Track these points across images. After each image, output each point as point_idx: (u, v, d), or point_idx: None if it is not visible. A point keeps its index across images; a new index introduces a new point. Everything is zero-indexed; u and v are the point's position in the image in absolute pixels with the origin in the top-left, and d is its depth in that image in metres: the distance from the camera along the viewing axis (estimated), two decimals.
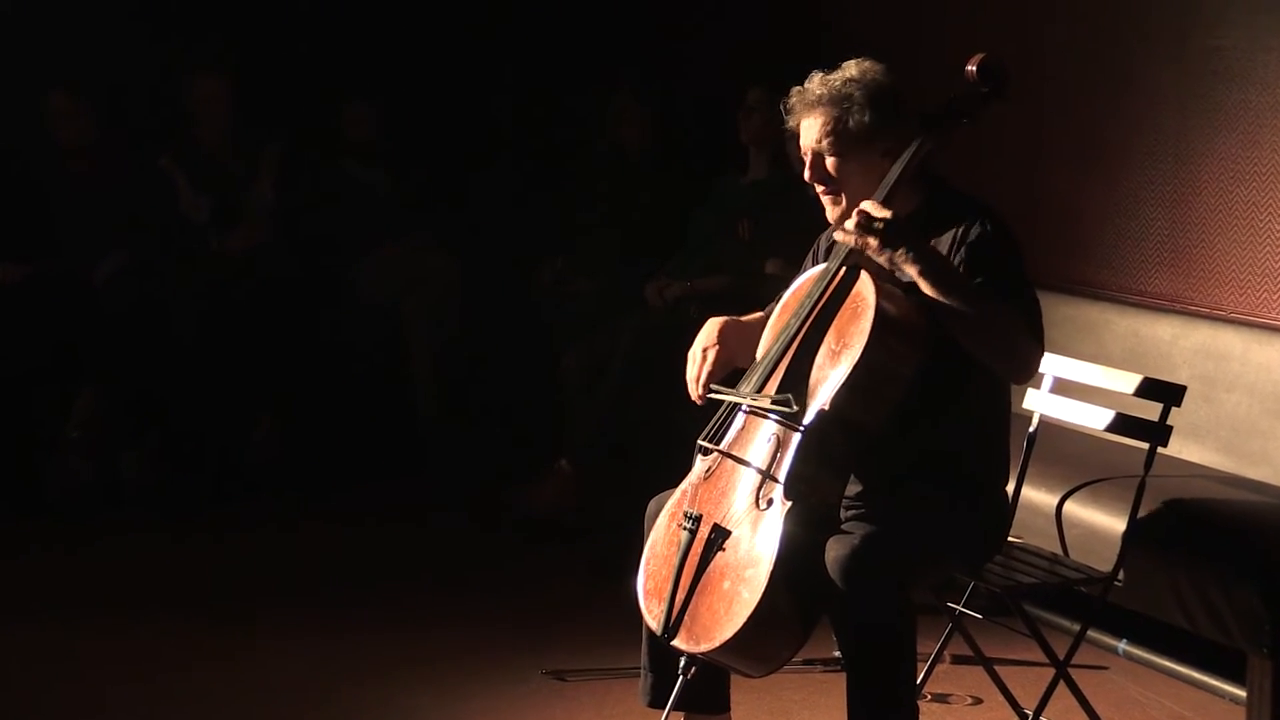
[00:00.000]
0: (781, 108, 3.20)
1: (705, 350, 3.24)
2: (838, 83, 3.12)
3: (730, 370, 3.24)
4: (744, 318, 3.36)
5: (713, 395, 3.18)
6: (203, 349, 5.59)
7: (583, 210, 6.04)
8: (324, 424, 5.85)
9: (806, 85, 3.16)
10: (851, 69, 3.14)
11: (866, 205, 3.02)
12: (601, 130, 6.10)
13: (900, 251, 2.97)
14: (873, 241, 2.99)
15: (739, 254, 5.37)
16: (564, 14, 6.60)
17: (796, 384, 3.03)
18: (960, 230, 3.09)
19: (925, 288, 2.97)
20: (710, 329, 3.28)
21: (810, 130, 3.16)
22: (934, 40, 5.34)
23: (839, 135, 3.12)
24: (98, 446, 5.46)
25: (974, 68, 3.12)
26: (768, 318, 3.33)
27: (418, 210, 6.20)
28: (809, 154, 3.18)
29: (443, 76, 6.53)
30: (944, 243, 3.11)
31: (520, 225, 6.37)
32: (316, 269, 5.96)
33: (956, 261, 3.07)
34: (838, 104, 3.11)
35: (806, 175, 3.20)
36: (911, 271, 2.97)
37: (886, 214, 2.99)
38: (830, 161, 3.15)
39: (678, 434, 3.30)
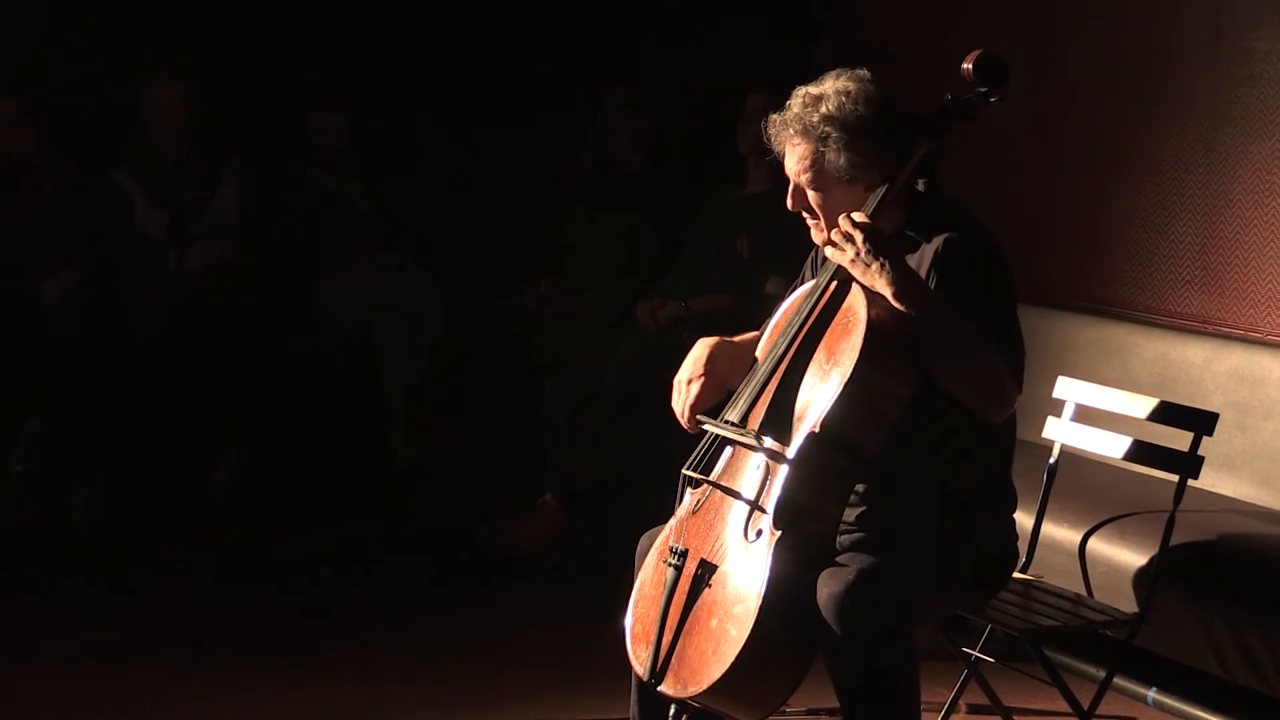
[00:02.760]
0: (763, 131, 3.23)
1: (690, 382, 3.30)
2: (815, 118, 3.13)
3: (721, 396, 3.28)
4: (736, 338, 3.41)
5: (704, 426, 3.22)
6: (159, 375, 5.58)
7: (569, 226, 6.06)
8: (290, 457, 5.84)
9: (786, 110, 3.19)
10: (830, 101, 3.13)
11: (854, 215, 3.06)
12: (589, 140, 6.11)
13: (876, 266, 2.99)
14: (849, 252, 3.01)
15: (737, 272, 5.38)
16: (548, 16, 6.63)
17: (785, 407, 3.05)
18: (937, 246, 3.11)
19: (898, 308, 2.98)
20: (699, 353, 3.34)
21: (790, 160, 3.20)
22: (948, 42, 5.36)
23: (817, 173, 3.16)
24: (45, 481, 5.46)
25: (970, 65, 3.15)
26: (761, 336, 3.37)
27: (392, 225, 6.21)
28: (790, 182, 3.22)
29: (418, 82, 6.55)
30: (920, 258, 3.12)
31: (502, 242, 6.38)
32: (283, 289, 5.96)
33: (930, 280, 3.08)
34: (814, 141, 3.14)
35: (789, 203, 3.24)
36: (886, 290, 2.99)
37: (867, 223, 3.02)
38: (811, 195, 3.20)
39: (671, 466, 3.31)
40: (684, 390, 3.31)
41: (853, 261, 3.03)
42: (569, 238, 6.02)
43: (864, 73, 3.19)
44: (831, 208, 3.17)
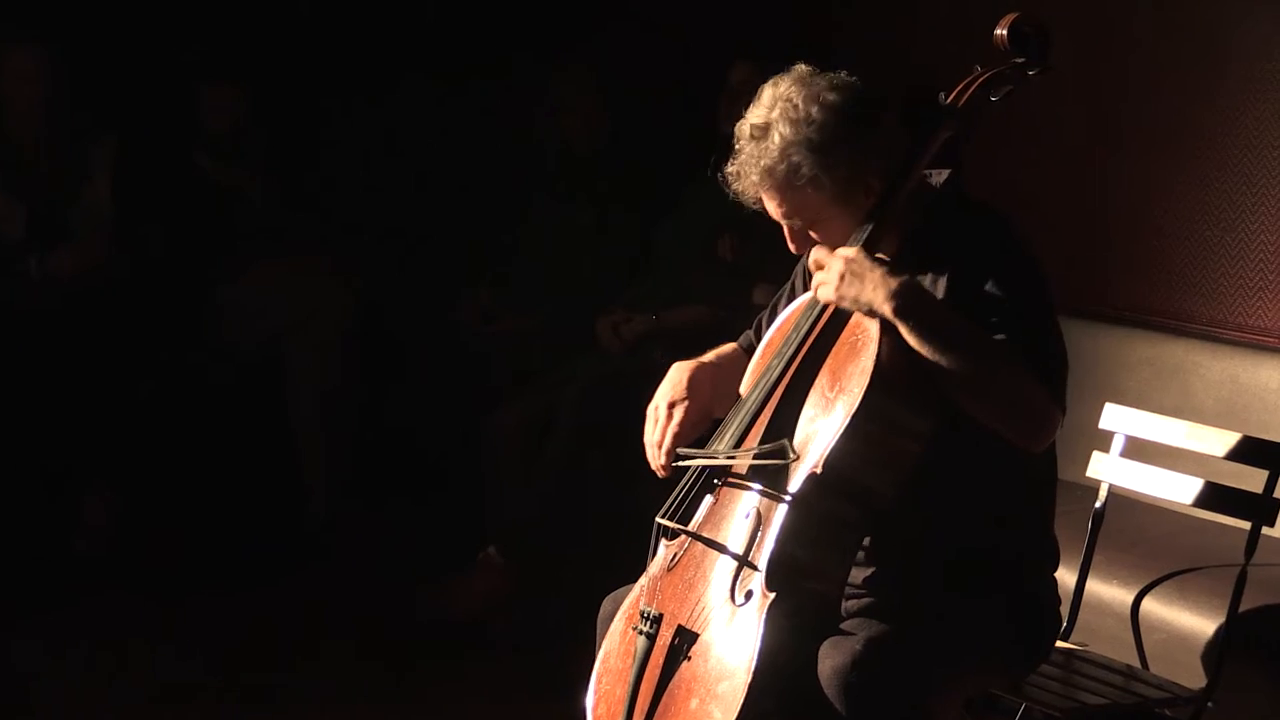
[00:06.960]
0: (720, 180, 3.25)
1: (672, 406, 3.31)
2: (774, 153, 3.12)
3: (706, 427, 3.29)
4: (715, 356, 3.46)
5: (681, 463, 3.22)
6: (17, 404, 5.58)
7: (516, 225, 6.07)
8: (179, 505, 5.84)
9: (736, 154, 3.19)
10: (779, 125, 3.12)
11: (844, 251, 3.07)
12: (539, 121, 6.13)
13: (869, 283, 2.99)
14: (830, 284, 3.03)
15: (719, 279, 5.41)
16: None
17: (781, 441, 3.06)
18: (955, 254, 3.12)
19: (903, 330, 2.98)
20: (677, 377, 3.36)
21: (769, 205, 3.21)
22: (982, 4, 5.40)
23: (802, 207, 3.17)
24: None
25: (1004, 31, 3.18)
26: (749, 353, 3.41)
27: (302, 222, 6.22)
28: (781, 224, 3.23)
29: (330, 50, 6.56)
30: (935, 275, 3.13)
31: (435, 243, 6.40)
32: (168, 298, 5.97)
33: (950, 292, 3.09)
34: (782, 178, 3.14)
35: (792, 248, 3.26)
36: (885, 307, 2.98)
37: (850, 253, 3.03)
38: (812, 233, 3.20)
39: (640, 513, 3.33)
40: (665, 416, 3.31)
41: (839, 287, 3.02)
42: (516, 238, 6.03)
43: (802, 67, 3.19)
44: (836, 233, 3.17)
